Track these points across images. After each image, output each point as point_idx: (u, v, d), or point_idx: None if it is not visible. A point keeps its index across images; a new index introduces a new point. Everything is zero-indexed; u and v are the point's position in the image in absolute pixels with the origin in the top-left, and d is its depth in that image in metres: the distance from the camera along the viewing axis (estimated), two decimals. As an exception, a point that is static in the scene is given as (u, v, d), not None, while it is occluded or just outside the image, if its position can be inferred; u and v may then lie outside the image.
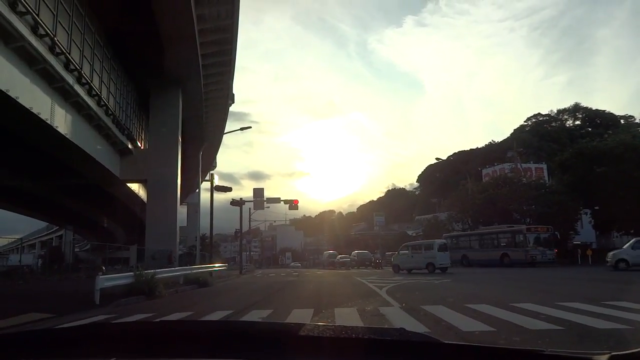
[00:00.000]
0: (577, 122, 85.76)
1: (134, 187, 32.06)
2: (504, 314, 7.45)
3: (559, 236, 34.94)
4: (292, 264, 73.95)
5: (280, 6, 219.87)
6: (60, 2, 16.70)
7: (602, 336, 5.56)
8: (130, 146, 27.39)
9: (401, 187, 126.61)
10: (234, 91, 34.82)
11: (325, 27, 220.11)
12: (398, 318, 7.69)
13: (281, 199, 41.77)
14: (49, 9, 15.85)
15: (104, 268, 15.04)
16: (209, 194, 36.11)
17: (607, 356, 1.02)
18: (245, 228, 47.00)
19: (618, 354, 1.04)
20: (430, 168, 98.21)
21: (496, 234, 33.95)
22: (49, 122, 17.27)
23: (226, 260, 48.64)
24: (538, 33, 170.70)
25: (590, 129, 77.12)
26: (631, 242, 24.47)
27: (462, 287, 14.96)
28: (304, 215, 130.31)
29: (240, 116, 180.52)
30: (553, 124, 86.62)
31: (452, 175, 72.97)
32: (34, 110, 16.08)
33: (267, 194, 45.10)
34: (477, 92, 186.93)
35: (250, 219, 49.69)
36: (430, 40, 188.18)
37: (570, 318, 6.83)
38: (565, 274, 20.52)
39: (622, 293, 10.56)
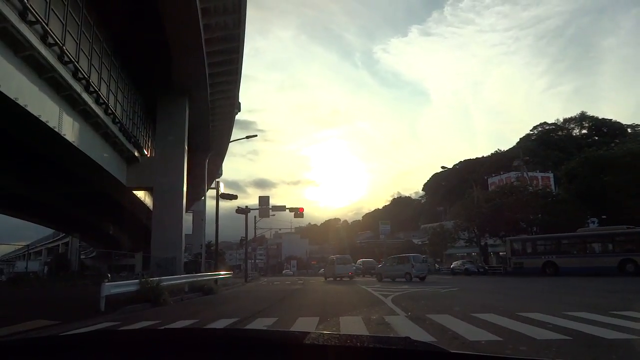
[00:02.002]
0: (584, 131, 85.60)
1: (140, 194, 32.18)
2: (510, 324, 7.38)
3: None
4: (321, 271, 71.53)
5: (286, 16, 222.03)
6: (70, 11, 16.92)
7: (610, 346, 5.50)
8: (136, 154, 27.54)
9: (407, 195, 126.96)
10: (240, 100, 35.05)
11: (331, 36, 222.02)
12: (403, 327, 7.63)
13: (286, 207, 41.77)
14: (58, 18, 16.05)
15: (109, 275, 15.05)
16: (214, 202, 36.12)
17: None
18: (250, 236, 46.98)
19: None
20: (436, 176, 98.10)
21: (611, 237, 27.63)
22: (56, 130, 17.42)
23: (231, 268, 48.65)
24: (544, 42, 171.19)
25: (597, 138, 76.91)
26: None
27: (468, 296, 14.86)
28: (310, 223, 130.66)
29: (246, 124, 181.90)
30: (559, 133, 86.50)
31: (458, 184, 72.74)
32: (42, 118, 16.24)
33: (273, 202, 45.35)
34: (483, 101, 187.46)
35: (255, 226, 49.72)
36: (436, 49, 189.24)
37: (578, 327, 6.76)
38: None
39: (630, 303, 10.44)
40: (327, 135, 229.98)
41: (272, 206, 42.19)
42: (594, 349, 5.41)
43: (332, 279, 34.07)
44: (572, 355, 5.10)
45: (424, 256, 32.95)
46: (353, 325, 8.05)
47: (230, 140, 40.33)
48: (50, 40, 15.46)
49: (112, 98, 22.36)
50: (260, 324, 8.96)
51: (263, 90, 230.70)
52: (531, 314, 8.43)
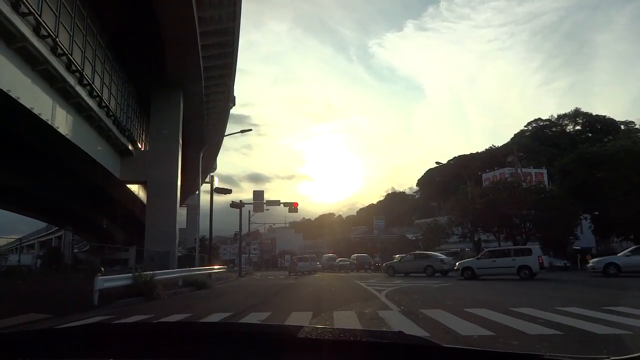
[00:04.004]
0: (578, 127, 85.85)
1: (134, 188, 32.04)
2: (502, 318, 7.44)
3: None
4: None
5: (281, 9, 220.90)
6: (63, 3, 16.74)
7: (601, 341, 5.55)
8: (130, 147, 27.38)
9: (401, 190, 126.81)
10: (235, 93, 34.90)
11: (326, 30, 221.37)
12: (396, 321, 7.67)
13: (281, 201, 41.78)
14: (51, 9, 15.89)
15: (102, 269, 15.06)
16: (208, 196, 36.06)
17: None
18: (244, 230, 46.97)
19: (617, 359, 1.04)
20: (430, 172, 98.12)
21: None
22: (49, 122, 17.28)
23: (225, 263, 48.59)
24: (539, 38, 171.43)
25: (590, 134, 77.13)
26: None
27: (460, 291, 14.94)
28: (304, 218, 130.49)
29: (240, 119, 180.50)
30: (553, 129, 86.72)
31: (452, 180, 72.83)
32: (35, 111, 16.09)
33: (267, 196, 45.18)
34: (478, 97, 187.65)
35: (249, 221, 49.69)
36: (431, 44, 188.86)
37: (569, 323, 6.82)
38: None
39: (620, 298, 10.54)
40: (322, 129, 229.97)
41: (267, 201, 42.20)
42: (586, 343, 5.47)
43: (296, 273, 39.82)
44: (564, 349, 5.15)
45: (313, 255, 44.57)
46: (346, 320, 8.08)
47: (225, 134, 40.21)
48: (44, 32, 15.29)
49: (106, 91, 22.20)
50: (254, 318, 8.97)
51: (257, 84, 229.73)
52: (523, 309, 8.50)
